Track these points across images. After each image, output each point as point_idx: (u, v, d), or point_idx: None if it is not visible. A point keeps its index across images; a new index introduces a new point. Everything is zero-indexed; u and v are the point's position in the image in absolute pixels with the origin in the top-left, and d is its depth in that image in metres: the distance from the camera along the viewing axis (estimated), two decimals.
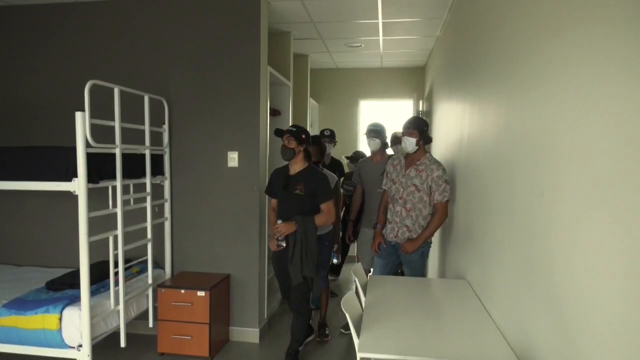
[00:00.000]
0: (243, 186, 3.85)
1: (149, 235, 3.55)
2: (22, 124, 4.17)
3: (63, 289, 3.24)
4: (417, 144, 3.29)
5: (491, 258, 2.44)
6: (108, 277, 3.13)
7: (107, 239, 3.05)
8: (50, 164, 2.89)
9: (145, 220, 3.54)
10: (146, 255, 3.58)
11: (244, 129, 3.83)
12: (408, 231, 3.35)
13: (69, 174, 2.79)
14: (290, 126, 3.39)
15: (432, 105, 5.53)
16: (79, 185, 2.75)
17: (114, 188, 3.11)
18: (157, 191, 3.85)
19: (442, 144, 4.54)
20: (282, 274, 3.46)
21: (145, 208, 3.52)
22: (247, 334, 3.93)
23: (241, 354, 3.71)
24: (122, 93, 3.13)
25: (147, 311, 3.60)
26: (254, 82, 3.81)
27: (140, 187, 3.52)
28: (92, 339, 2.90)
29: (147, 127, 3.47)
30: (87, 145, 2.76)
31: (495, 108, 2.45)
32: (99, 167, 2.93)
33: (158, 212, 3.87)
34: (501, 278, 2.23)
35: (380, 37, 5.19)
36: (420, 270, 3.41)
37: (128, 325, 3.27)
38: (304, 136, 3.30)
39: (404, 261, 3.43)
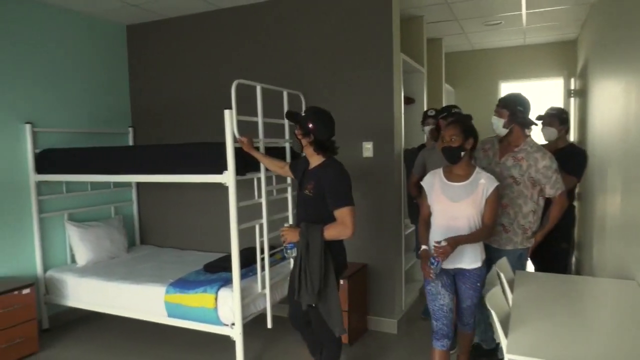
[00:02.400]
0: (378, 176, 3.85)
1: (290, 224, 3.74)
2: (181, 123, 4.67)
3: (218, 271, 3.58)
4: (505, 126, 2.81)
5: None
6: (255, 262, 3.37)
7: (254, 227, 3.28)
8: (204, 158, 3.19)
9: (287, 210, 3.73)
10: None
11: (378, 119, 3.82)
12: (505, 231, 2.88)
13: (220, 167, 3.04)
14: (305, 109, 2.78)
15: (588, 83, 4.92)
16: (228, 177, 3.00)
17: (259, 179, 3.32)
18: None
19: (598, 126, 4.02)
20: (292, 292, 2.78)
21: (286, 198, 3.71)
22: (385, 324, 3.94)
23: (379, 343, 3.73)
24: (263, 90, 3.32)
25: None
26: (387, 71, 3.77)
27: (282, 179, 3.72)
28: (243, 318, 3.14)
29: (286, 121, 3.64)
30: (235, 140, 2.99)
31: None
32: (245, 160, 3.15)
33: None
34: None
35: (523, 11, 4.76)
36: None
37: (274, 307, 3.48)
38: (311, 125, 2.58)
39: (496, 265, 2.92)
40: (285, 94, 3.60)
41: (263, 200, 3.32)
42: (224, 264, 3.59)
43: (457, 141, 2.51)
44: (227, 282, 3.29)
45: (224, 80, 3.66)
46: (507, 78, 6.59)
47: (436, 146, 3.46)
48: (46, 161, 3.93)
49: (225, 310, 3.18)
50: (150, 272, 3.83)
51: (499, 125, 2.85)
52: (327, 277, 2.55)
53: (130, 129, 4.88)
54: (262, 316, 3.41)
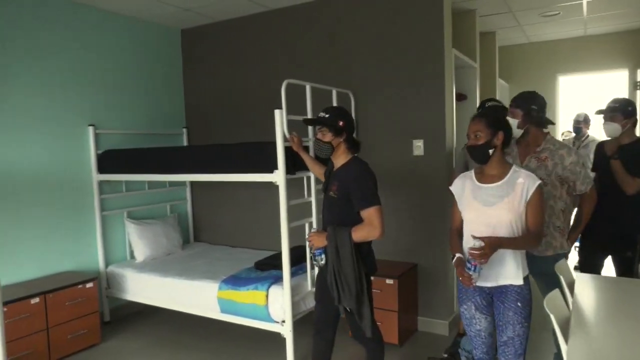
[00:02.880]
0: (429, 175, 3.78)
1: None
2: (232, 123, 4.78)
3: (268, 269, 3.63)
4: (520, 127, 2.64)
5: None
6: (305, 260, 3.39)
7: (304, 225, 3.30)
8: (255, 158, 3.25)
9: None
10: None
11: (429, 116, 3.74)
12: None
13: (271, 166, 3.08)
14: (322, 111, 2.57)
15: None
16: (279, 176, 3.04)
17: (308, 178, 3.35)
18: None
19: None
20: (321, 298, 2.66)
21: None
22: (436, 325, 3.86)
23: (430, 344, 3.66)
24: (312, 89, 3.33)
25: None
26: (438, 67, 3.69)
27: None
28: (293, 316, 3.18)
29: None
30: (285, 139, 3.02)
31: None
32: (295, 159, 3.18)
33: None
34: None
35: (584, 0, 4.52)
36: (557, 284, 2.47)
37: None
38: (341, 123, 2.51)
39: (535, 274, 2.59)
40: (334, 92, 3.61)
41: (313, 199, 3.34)
42: (274, 262, 3.63)
43: (483, 137, 2.18)
44: (278, 279, 3.33)
45: (274, 80, 3.71)
46: (565, 71, 6.29)
47: None
48: (107, 161, 4.13)
49: (275, 308, 3.22)
50: (204, 269, 3.94)
51: (513, 126, 2.66)
52: (361, 278, 2.47)
53: (184, 130, 5.04)
54: (311, 314, 3.42)
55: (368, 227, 2.41)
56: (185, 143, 5.04)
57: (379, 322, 3.70)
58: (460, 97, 4.79)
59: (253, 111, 4.60)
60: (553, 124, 2.90)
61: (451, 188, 2.37)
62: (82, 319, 3.66)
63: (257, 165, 3.20)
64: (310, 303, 3.42)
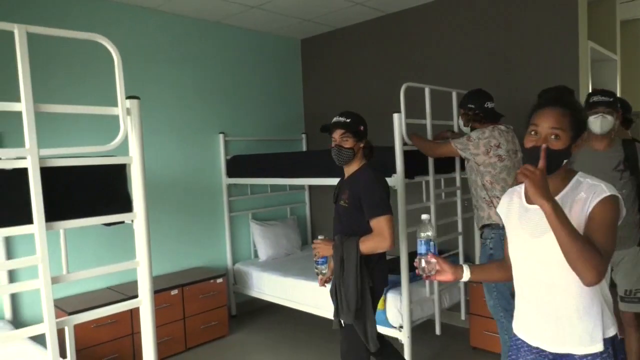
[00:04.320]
0: None
1: (460, 229, 3.60)
2: None
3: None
4: (465, 125, 2.57)
5: None
6: None
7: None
8: (373, 162, 3.25)
9: (456, 214, 3.61)
10: (457, 248, 3.65)
11: None
12: None
13: (389, 170, 3.08)
14: (340, 115, 2.44)
15: None
16: (397, 181, 3.02)
17: (427, 183, 3.28)
18: (466, 185, 3.87)
19: None
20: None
21: (455, 202, 3.59)
22: None
23: None
24: (430, 92, 3.26)
25: (459, 303, 3.67)
26: (571, 61, 3.39)
27: (451, 182, 3.61)
28: (411, 322, 3.13)
29: (455, 123, 3.52)
30: (404, 143, 3.00)
31: None
32: (414, 164, 3.14)
33: (467, 206, 3.88)
34: None
35: None
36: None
37: (442, 314, 3.39)
38: (362, 127, 2.42)
39: None
40: (454, 94, 3.49)
41: (431, 204, 3.27)
42: (391, 266, 3.61)
43: (562, 140, 1.41)
44: (395, 284, 3.30)
45: (392, 84, 3.71)
46: None
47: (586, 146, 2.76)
48: (235, 166, 4.46)
49: (393, 312, 3.20)
50: None
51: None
52: (363, 293, 2.31)
53: (304, 135, 5.24)
54: (429, 322, 3.35)
55: (377, 238, 2.26)
56: (304, 148, 5.24)
57: (497, 334, 3.50)
58: None
59: (370, 116, 4.60)
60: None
61: (498, 209, 1.70)
62: (212, 311, 3.97)
63: (375, 169, 3.21)
64: (428, 310, 3.34)
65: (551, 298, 1.46)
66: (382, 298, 3.24)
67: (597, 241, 1.32)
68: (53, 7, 3.51)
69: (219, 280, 4.03)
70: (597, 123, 2.61)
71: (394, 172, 3.04)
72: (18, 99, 1.36)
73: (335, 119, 2.41)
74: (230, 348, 3.88)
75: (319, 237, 2.41)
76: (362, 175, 2.39)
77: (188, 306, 3.82)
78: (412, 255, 3.14)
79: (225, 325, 4.07)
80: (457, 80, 3.87)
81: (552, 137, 1.41)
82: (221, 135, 4.49)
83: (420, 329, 3.37)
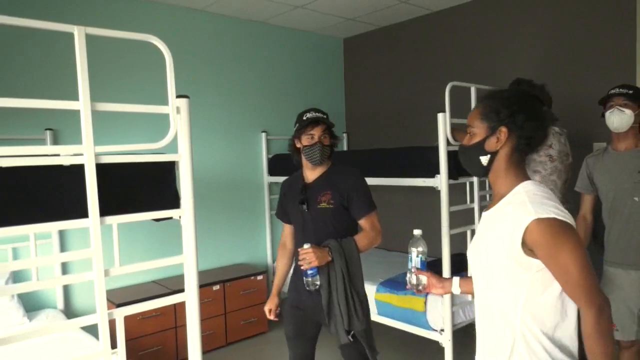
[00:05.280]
0: None
1: None
2: (392, 127, 4.82)
3: None
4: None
5: None
6: (465, 269, 3.25)
7: (465, 232, 3.17)
8: (416, 162, 3.23)
9: None
10: None
11: None
12: None
13: (432, 171, 3.03)
14: (315, 111, 2.26)
15: None
16: (441, 181, 2.97)
17: (471, 184, 3.21)
18: None
19: None
20: (300, 335, 2.37)
21: None
22: None
23: None
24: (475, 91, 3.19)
25: None
26: (627, 57, 3.24)
27: None
28: (453, 325, 3.07)
29: None
30: (448, 143, 2.94)
31: None
32: (458, 164, 3.07)
33: None
34: None
35: None
36: None
37: None
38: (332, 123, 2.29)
39: None
40: None
41: (475, 205, 3.20)
42: (433, 269, 3.55)
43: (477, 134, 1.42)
44: None
45: (435, 83, 3.64)
46: None
47: (609, 148, 2.59)
48: (276, 165, 4.50)
49: (434, 315, 3.15)
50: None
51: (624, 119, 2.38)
52: (365, 295, 2.25)
53: (344, 135, 5.23)
54: (471, 325, 3.27)
55: (373, 233, 2.23)
56: (344, 148, 5.23)
57: None
58: None
59: (414, 115, 4.58)
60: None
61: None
62: (252, 307, 4.03)
63: (418, 170, 3.18)
64: (470, 313, 3.27)
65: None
66: (422, 300, 3.20)
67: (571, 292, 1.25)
68: (104, 10, 3.65)
69: (259, 277, 4.08)
70: (612, 118, 2.40)
71: (437, 172, 2.99)
72: (71, 98, 1.42)
73: (313, 115, 2.23)
74: (269, 345, 3.92)
75: (305, 245, 2.08)
76: (347, 172, 2.29)
77: (229, 302, 3.89)
78: (454, 256, 3.10)
79: (264, 322, 4.12)
80: (504, 79, 3.76)
81: (468, 135, 1.42)
82: (263, 134, 4.55)
83: (461, 333, 3.30)
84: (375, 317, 3.55)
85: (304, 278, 2.11)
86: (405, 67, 4.66)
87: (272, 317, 2.44)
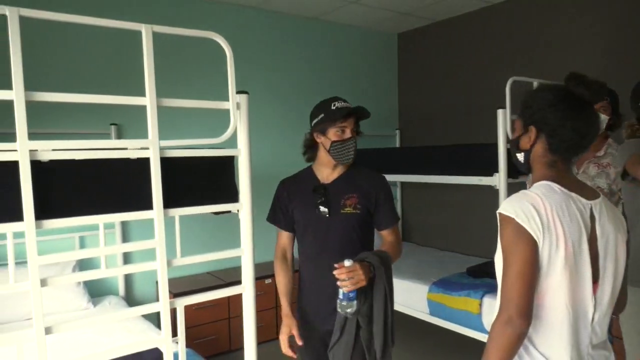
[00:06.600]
0: None
1: None
2: (447, 124, 4.71)
3: (481, 276, 3.47)
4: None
5: None
6: None
7: None
8: (473, 160, 3.14)
9: None
10: None
11: None
12: None
13: (490, 169, 2.94)
14: (345, 101, 1.97)
15: None
16: (500, 180, 2.87)
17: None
18: None
19: None
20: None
21: None
22: None
23: None
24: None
25: None
26: None
27: None
28: None
29: None
30: (508, 141, 2.84)
31: None
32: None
33: None
34: None
35: None
36: None
37: None
38: None
39: None
40: None
41: None
42: (488, 270, 3.45)
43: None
44: (492, 289, 3.15)
45: (493, 79, 3.52)
46: None
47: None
48: None
49: (489, 319, 3.04)
50: (413, 270, 3.97)
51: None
52: None
53: (397, 131, 5.16)
54: None
55: (400, 247, 1.95)
56: (397, 144, 5.16)
57: None
58: None
59: (470, 112, 4.45)
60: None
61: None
62: (260, 312, 3.91)
63: (475, 168, 3.09)
64: None
65: None
66: (477, 301, 3.11)
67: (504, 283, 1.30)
68: (165, 9, 3.77)
69: (268, 281, 4.02)
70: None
71: (496, 170, 2.89)
72: (133, 94, 1.47)
73: (342, 104, 1.93)
74: None
75: (346, 262, 1.69)
76: (371, 175, 2.02)
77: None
78: None
79: (272, 328, 3.98)
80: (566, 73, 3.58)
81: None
82: None
83: None
84: (427, 317, 3.50)
85: (339, 302, 1.71)
86: (462, 62, 4.54)
87: (291, 353, 2.05)
